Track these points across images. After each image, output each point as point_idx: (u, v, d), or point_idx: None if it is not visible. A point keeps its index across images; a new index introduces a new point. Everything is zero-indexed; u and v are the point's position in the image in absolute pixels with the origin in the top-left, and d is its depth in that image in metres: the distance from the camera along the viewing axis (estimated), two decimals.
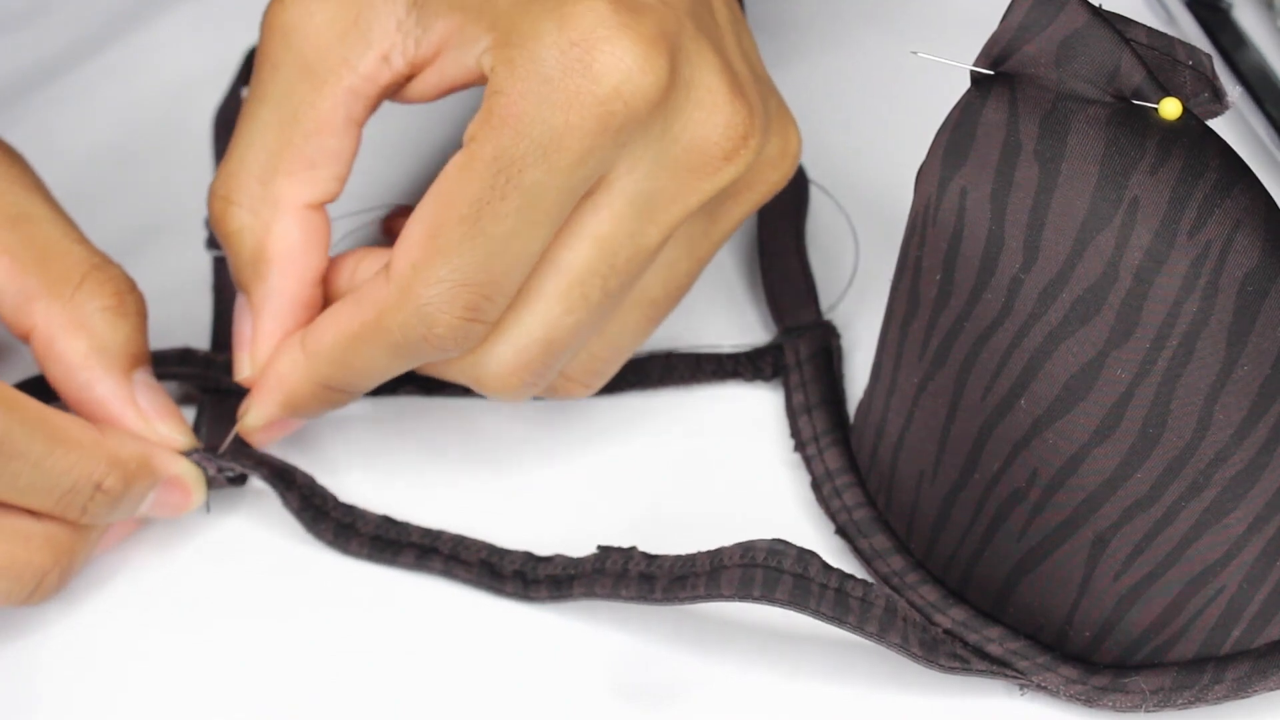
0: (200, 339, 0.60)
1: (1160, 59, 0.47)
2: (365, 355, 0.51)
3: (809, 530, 0.56)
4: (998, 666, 0.51)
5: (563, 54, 0.48)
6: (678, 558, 0.52)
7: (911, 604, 0.53)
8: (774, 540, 0.50)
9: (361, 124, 0.52)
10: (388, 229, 0.57)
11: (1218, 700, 0.50)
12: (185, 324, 0.60)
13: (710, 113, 0.50)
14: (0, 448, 0.48)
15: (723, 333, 0.60)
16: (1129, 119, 0.46)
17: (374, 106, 0.52)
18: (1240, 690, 0.50)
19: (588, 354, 0.53)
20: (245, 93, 0.66)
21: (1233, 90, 0.47)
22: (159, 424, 0.53)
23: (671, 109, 0.49)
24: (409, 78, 0.51)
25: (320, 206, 0.52)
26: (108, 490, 0.51)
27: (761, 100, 0.51)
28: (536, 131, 0.48)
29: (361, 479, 0.57)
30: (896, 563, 0.54)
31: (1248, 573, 0.49)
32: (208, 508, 0.54)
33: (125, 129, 0.66)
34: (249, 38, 0.66)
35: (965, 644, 0.51)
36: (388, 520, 0.55)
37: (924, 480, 0.52)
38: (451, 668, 0.53)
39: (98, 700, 0.52)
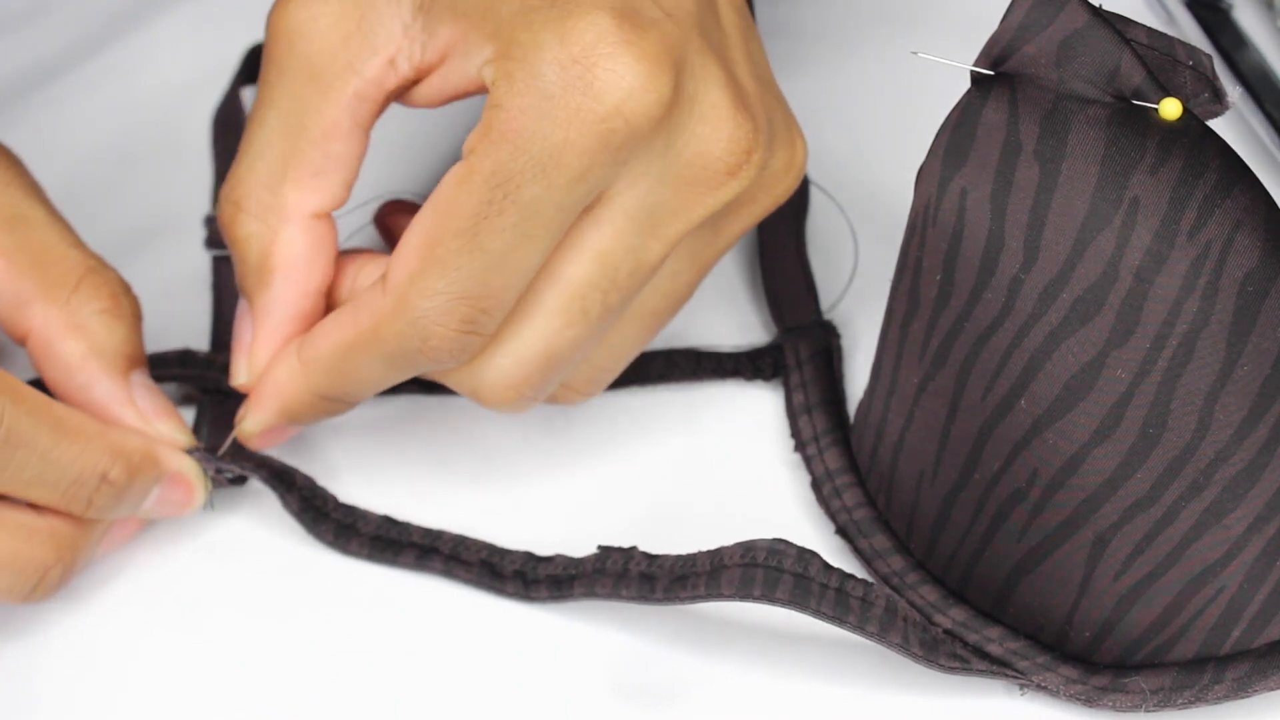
0: (200, 339, 0.60)
1: (1160, 59, 0.47)
2: (360, 365, 0.51)
3: (809, 530, 0.56)
4: (998, 666, 0.51)
5: (564, 70, 0.47)
6: (678, 558, 0.52)
7: (911, 604, 0.53)
8: (774, 540, 0.50)
9: (368, 128, 0.52)
10: (381, 224, 0.57)
11: (1218, 700, 0.50)
12: (185, 324, 0.60)
13: (714, 128, 0.49)
14: (7, 438, 0.48)
15: (723, 333, 0.60)
16: (1129, 119, 0.46)
17: (380, 111, 0.52)
18: (1240, 690, 0.50)
19: (590, 365, 0.53)
20: (245, 93, 0.66)
21: (1233, 90, 0.47)
22: (158, 423, 0.53)
23: (675, 125, 0.49)
24: (415, 82, 0.51)
25: (328, 215, 0.52)
26: (113, 481, 0.51)
27: (767, 114, 0.51)
28: (535, 148, 0.48)
29: (361, 479, 0.57)
30: (896, 563, 0.54)
31: (1248, 573, 0.49)
32: (211, 504, 0.54)
33: (125, 129, 0.66)
34: (249, 38, 0.66)
35: (965, 644, 0.51)
36: (388, 520, 0.55)
37: (924, 480, 0.52)
38: (451, 668, 0.53)
39: (98, 700, 0.52)
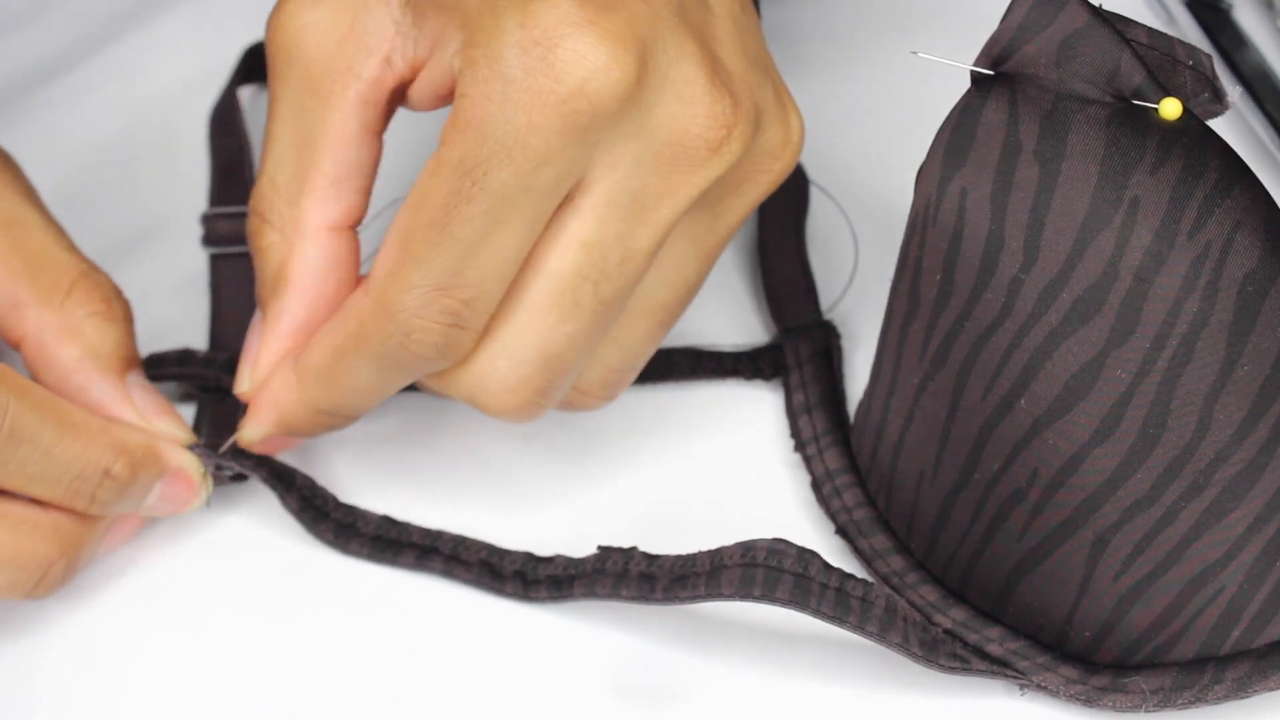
0: (198, 338, 0.60)
1: (1160, 59, 0.47)
2: (350, 369, 0.51)
3: (809, 530, 0.56)
4: (998, 666, 0.51)
5: (525, 53, 0.47)
6: (678, 558, 0.52)
7: (911, 604, 0.53)
8: (774, 540, 0.50)
9: (379, 133, 0.51)
10: None
11: (1218, 700, 0.50)
12: (184, 323, 0.60)
13: (689, 104, 0.48)
14: (11, 432, 0.48)
15: (723, 332, 0.60)
16: (1129, 119, 0.46)
17: (388, 113, 0.51)
18: (1240, 690, 0.50)
19: (601, 365, 0.52)
20: (243, 92, 0.66)
21: (1233, 90, 0.47)
22: (158, 421, 0.53)
23: (646, 104, 0.48)
24: (412, 80, 0.51)
25: (348, 228, 0.52)
26: (116, 476, 0.51)
27: (750, 89, 0.50)
28: (499, 133, 0.47)
29: (362, 479, 0.57)
30: (896, 563, 0.54)
31: (1248, 573, 0.49)
32: (209, 503, 0.54)
33: (125, 129, 0.66)
34: (248, 38, 0.66)
35: (965, 644, 0.51)
36: (388, 520, 0.55)
37: (924, 480, 0.52)
38: (451, 668, 0.53)
39: (98, 699, 0.52)
